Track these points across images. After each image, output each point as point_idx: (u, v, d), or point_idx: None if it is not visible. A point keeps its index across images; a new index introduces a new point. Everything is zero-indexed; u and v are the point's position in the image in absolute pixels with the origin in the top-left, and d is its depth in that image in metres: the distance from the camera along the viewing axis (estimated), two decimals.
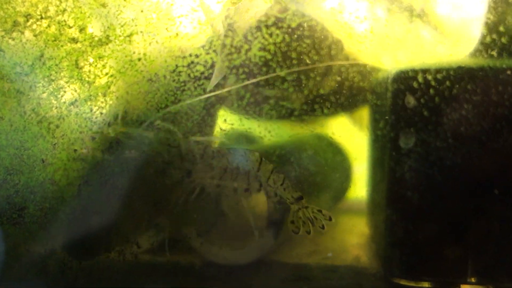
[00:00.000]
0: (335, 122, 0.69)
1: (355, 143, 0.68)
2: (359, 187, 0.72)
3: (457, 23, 0.59)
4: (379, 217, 0.57)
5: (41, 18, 0.52)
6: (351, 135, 0.69)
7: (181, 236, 0.59)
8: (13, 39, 0.53)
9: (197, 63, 0.49)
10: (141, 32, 0.50)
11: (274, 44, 0.47)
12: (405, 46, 0.59)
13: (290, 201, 0.51)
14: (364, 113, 0.68)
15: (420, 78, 0.44)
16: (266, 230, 0.59)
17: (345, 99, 0.56)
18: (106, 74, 0.51)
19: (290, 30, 0.47)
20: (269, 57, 0.46)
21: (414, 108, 0.45)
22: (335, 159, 0.70)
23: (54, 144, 0.53)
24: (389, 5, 0.58)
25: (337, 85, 0.53)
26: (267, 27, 0.46)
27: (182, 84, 0.50)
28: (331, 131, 0.66)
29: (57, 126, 0.53)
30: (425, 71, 0.45)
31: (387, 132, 0.50)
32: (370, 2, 0.55)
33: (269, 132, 0.57)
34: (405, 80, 0.46)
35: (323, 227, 0.51)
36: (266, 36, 0.46)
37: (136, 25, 0.50)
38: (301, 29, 0.48)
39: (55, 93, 0.52)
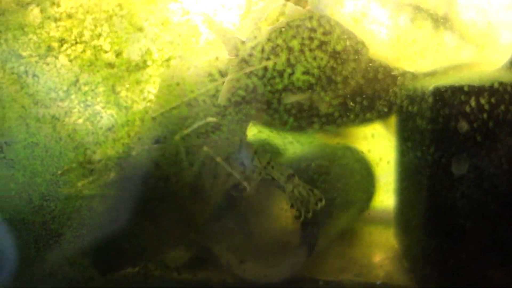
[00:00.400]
0: (359, 132, 0.68)
1: (378, 152, 0.67)
2: (383, 198, 0.71)
3: (482, 28, 0.58)
4: (413, 233, 0.56)
5: (76, 43, 0.51)
6: (375, 144, 0.68)
7: (211, 252, 0.59)
8: (48, 64, 0.52)
9: (238, 87, 0.48)
10: (180, 56, 0.49)
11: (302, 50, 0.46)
12: (428, 52, 0.58)
13: (282, 180, 0.50)
14: (390, 123, 0.67)
15: (472, 102, 0.43)
16: (300, 247, 0.59)
17: (372, 108, 0.55)
18: (144, 99, 0.50)
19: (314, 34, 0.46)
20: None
21: (466, 133, 0.44)
22: (360, 169, 0.69)
23: (91, 170, 0.53)
24: (413, 10, 0.57)
25: (364, 93, 0.52)
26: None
27: (223, 109, 0.49)
28: (356, 141, 0.65)
29: (94, 152, 0.52)
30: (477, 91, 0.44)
31: (430, 154, 0.49)
32: (393, 8, 0.54)
33: (291, 143, 0.57)
34: (454, 102, 0.45)
35: (317, 206, 0.50)
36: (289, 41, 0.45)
37: (174, 49, 0.49)
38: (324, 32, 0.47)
39: (91, 118, 0.52)
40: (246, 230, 0.60)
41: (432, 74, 0.60)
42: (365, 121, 0.60)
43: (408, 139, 0.60)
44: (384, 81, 0.54)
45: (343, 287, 0.62)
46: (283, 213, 0.59)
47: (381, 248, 0.74)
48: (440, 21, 0.60)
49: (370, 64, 0.55)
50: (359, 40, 0.51)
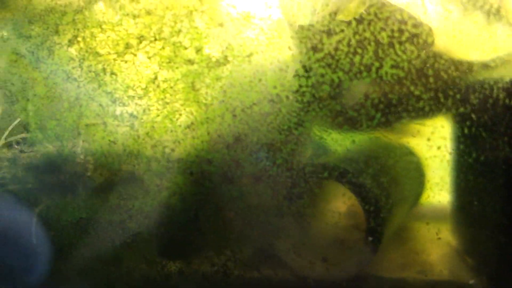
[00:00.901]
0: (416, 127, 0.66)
1: (434, 146, 0.65)
2: (434, 193, 0.69)
3: None
4: (479, 229, 0.54)
5: (155, 39, 0.50)
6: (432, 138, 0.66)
7: (273, 249, 0.58)
8: (126, 62, 0.51)
9: (323, 82, 0.47)
10: (262, 51, 0.48)
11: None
12: (479, 44, 0.56)
13: None
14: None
15: None
16: (365, 243, 0.57)
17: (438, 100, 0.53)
18: (224, 95, 0.49)
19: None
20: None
21: None
22: (410, 165, 0.68)
23: (169, 168, 0.52)
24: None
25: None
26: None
27: (306, 104, 0.48)
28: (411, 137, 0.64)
29: (172, 150, 0.52)
30: None
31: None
32: None
33: (341, 143, 0.55)
34: None
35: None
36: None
37: (256, 45, 0.48)
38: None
39: (170, 116, 0.51)
40: (311, 226, 0.59)
41: (492, 65, 0.58)
42: (429, 114, 0.58)
43: (471, 133, 0.58)
44: (450, 71, 0.53)
45: (408, 285, 0.60)
46: (349, 210, 0.58)
47: (439, 245, 0.72)
48: (493, 11, 0.58)
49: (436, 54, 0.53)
50: (428, 27, 0.49)
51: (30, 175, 0.58)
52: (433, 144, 0.61)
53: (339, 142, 0.55)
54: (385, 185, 0.60)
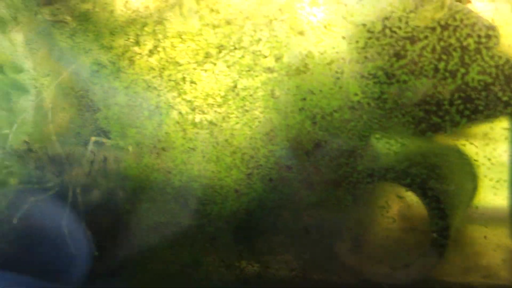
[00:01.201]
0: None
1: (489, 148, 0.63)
2: (486, 195, 0.68)
3: None
4: None
5: (235, 48, 0.51)
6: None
7: (334, 252, 0.58)
8: (205, 71, 0.52)
9: (406, 89, 0.47)
10: (343, 59, 0.48)
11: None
12: None
13: None
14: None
15: None
16: (431, 246, 0.57)
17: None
18: (304, 103, 0.50)
19: None
20: None
21: None
22: (466, 167, 0.66)
23: (248, 175, 0.53)
24: None
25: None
26: None
27: (388, 111, 0.48)
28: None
29: (252, 157, 0.52)
30: None
31: None
32: None
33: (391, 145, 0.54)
34: None
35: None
36: None
37: (337, 52, 0.48)
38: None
39: (249, 123, 0.52)
40: (378, 230, 0.59)
41: None
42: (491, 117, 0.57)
43: None
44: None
45: None
46: (416, 214, 0.58)
47: (500, 248, 0.71)
48: None
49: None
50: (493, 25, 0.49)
51: (110, 181, 0.60)
52: (492, 145, 0.60)
53: (406, 145, 0.55)
54: (446, 188, 0.60)
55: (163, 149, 0.57)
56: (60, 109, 0.60)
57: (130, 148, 0.57)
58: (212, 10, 0.52)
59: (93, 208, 0.59)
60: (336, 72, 0.50)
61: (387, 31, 0.49)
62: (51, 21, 0.57)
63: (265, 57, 0.51)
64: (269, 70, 0.51)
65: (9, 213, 0.61)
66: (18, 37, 0.61)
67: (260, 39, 0.51)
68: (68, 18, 0.56)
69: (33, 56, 0.60)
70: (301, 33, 0.50)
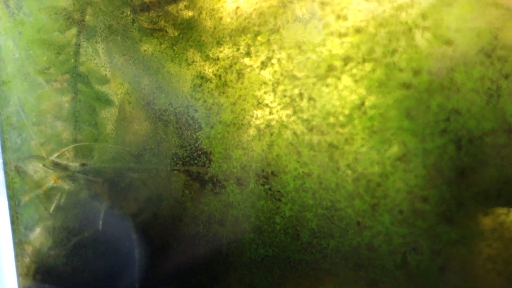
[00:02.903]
0: None
1: None
2: None
3: None
4: None
5: (364, 61, 0.43)
6: None
7: None
8: (327, 86, 0.45)
9: None
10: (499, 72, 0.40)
11: None
12: None
13: None
14: None
15: None
16: None
17: None
18: (448, 124, 0.42)
19: None
20: None
21: None
22: None
23: (374, 205, 0.45)
24: None
25: None
26: None
27: None
28: None
29: (378, 185, 0.44)
30: None
31: None
32: None
33: None
34: None
35: None
36: None
37: None
38: None
39: (378, 146, 0.44)
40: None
41: None
42: None
43: None
44: None
45: None
46: None
47: None
48: None
49: None
50: None
51: (213, 209, 0.53)
52: None
53: None
54: None
55: (273, 173, 0.49)
56: (154, 127, 0.54)
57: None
58: (338, 17, 0.45)
59: (187, 240, 0.53)
60: (489, 88, 0.42)
61: None
62: (150, 29, 0.51)
63: (401, 70, 0.44)
64: (405, 86, 0.44)
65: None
66: (108, 46, 0.55)
67: (395, 50, 0.43)
68: (169, 26, 0.50)
69: (124, 68, 0.54)
70: (448, 42, 0.42)
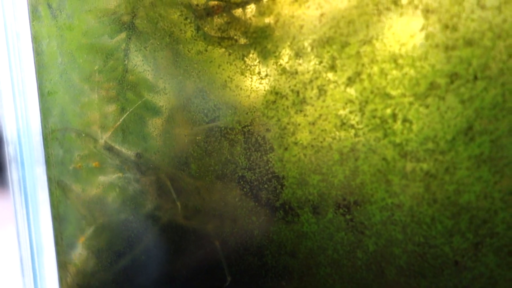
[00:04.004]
0: None
1: None
2: None
3: None
4: None
5: (475, 78, 0.35)
6: None
7: None
8: (427, 107, 0.37)
9: None
10: None
11: None
12: None
13: None
14: None
15: None
16: None
17: None
18: None
19: None
20: None
21: None
22: None
23: (477, 244, 0.38)
24: None
25: None
26: None
27: None
28: None
29: (484, 221, 0.37)
30: None
31: None
32: None
33: None
34: None
35: None
36: None
37: None
38: None
39: (486, 177, 0.36)
40: None
41: None
42: None
43: None
44: None
45: None
46: None
47: None
48: None
49: None
50: None
51: (284, 239, 0.46)
52: None
53: None
54: None
55: (356, 203, 0.42)
56: (219, 147, 0.47)
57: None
58: (446, 27, 0.37)
59: (252, 271, 0.46)
60: None
61: None
62: (217, 37, 0.44)
63: None
64: None
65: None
66: (167, 55, 0.48)
67: None
68: (240, 34, 0.42)
69: (185, 80, 0.47)
70: None
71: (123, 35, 0.51)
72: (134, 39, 0.50)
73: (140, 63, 0.50)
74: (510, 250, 0.40)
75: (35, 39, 0.52)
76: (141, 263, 0.54)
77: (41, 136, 0.52)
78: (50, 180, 0.53)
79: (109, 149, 0.51)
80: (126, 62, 0.51)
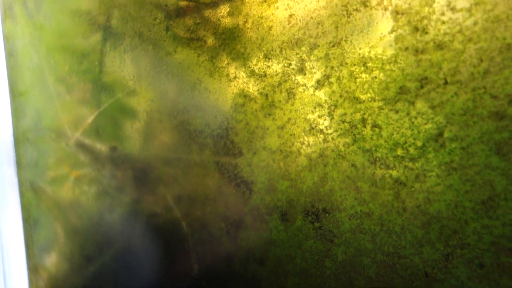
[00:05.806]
0: None
1: None
2: None
3: None
4: None
5: (445, 83, 0.33)
6: None
7: None
8: (397, 112, 0.34)
9: None
10: None
11: None
12: None
13: None
14: None
15: None
16: None
17: None
18: None
19: None
20: None
21: None
22: None
23: (447, 255, 0.35)
24: None
25: None
26: None
27: None
28: None
29: (455, 232, 0.34)
30: None
31: None
32: None
33: None
34: None
35: None
36: None
37: None
38: None
39: (457, 187, 0.34)
40: None
41: None
42: None
43: None
44: None
45: None
46: None
47: None
48: None
49: None
50: None
51: (252, 246, 0.43)
52: None
53: None
54: None
55: (325, 210, 0.39)
56: (188, 150, 0.44)
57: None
58: (416, 29, 0.34)
59: (222, 279, 0.43)
60: None
61: None
62: (186, 38, 0.41)
63: (494, 97, 0.33)
64: (497, 115, 0.33)
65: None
66: (138, 56, 0.45)
67: (488, 71, 0.33)
68: (209, 35, 0.40)
69: (155, 81, 0.44)
70: None
71: (98, 36, 0.49)
72: (109, 40, 0.48)
73: (114, 64, 0.48)
74: (481, 262, 0.37)
75: (7, 39, 0.49)
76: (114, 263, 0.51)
77: (13, 137, 0.50)
78: (21, 182, 0.50)
79: (82, 146, 0.49)
80: (101, 62, 0.48)
